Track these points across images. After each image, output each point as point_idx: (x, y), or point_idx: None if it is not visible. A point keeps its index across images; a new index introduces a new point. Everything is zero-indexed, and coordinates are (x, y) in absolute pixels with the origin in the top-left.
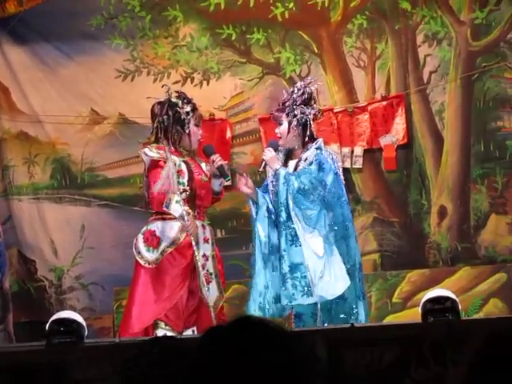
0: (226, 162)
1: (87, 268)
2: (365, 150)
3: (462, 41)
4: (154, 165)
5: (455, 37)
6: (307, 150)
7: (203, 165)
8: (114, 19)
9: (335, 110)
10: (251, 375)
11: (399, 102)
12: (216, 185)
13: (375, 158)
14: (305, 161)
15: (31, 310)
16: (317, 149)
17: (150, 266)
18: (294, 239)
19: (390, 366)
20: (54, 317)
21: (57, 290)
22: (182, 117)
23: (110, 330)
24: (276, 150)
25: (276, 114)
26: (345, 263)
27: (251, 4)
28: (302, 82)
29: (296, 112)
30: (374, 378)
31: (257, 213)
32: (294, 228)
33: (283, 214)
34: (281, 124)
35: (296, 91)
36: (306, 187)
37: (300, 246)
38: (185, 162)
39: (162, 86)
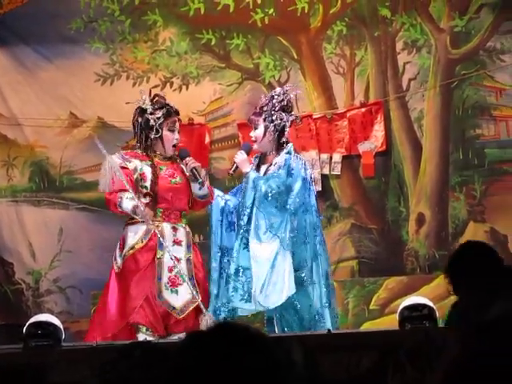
0: (199, 164)
1: (65, 271)
2: (343, 157)
3: (441, 48)
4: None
5: (435, 44)
6: (279, 155)
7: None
8: (93, 23)
9: (314, 117)
10: (233, 379)
11: (378, 109)
12: (195, 188)
13: (354, 165)
14: (274, 165)
15: (8, 312)
16: (287, 153)
17: (118, 271)
18: (248, 243)
19: (367, 372)
20: (32, 320)
21: (34, 293)
22: (151, 123)
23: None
24: (248, 153)
25: (253, 117)
26: (299, 269)
27: (231, 9)
28: (282, 88)
29: (274, 117)
30: (351, 383)
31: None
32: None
33: (245, 218)
34: (256, 128)
35: (276, 97)
36: (273, 192)
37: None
38: (151, 166)
39: (140, 92)
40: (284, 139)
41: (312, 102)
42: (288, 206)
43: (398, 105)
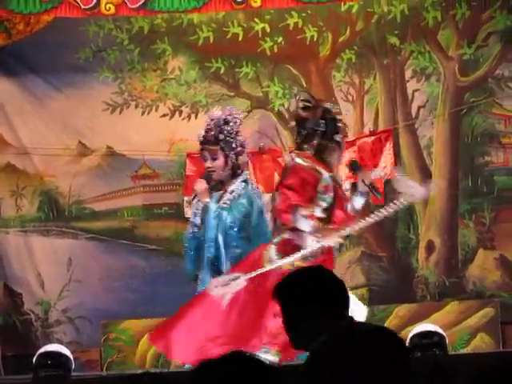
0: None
1: (74, 301)
2: (353, 184)
3: (450, 76)
4: None
5: (443, 72)
6: (234, 182)
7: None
8: (102, 52)
9: None
10: None
11: (387, 137)
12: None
13: None
14: (231, 193)
15: (17, 343)
16: (243, 181)
17: None
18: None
19: None
20: (41, 350)
21: (43, 323)
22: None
23: (96, 363)
24: (209, 182)
25: (210, 147)
26: None
27: (240, 38)
28: (228, 114)
29: (233, 145)
30: None
31: None
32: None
33: (211, 250)
34: (215, 158)
35: (231, 123)
36: (240, 222)
37: None
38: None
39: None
40: (240, 165)
41: None
42: (250, 236)
43: (407, 132)
